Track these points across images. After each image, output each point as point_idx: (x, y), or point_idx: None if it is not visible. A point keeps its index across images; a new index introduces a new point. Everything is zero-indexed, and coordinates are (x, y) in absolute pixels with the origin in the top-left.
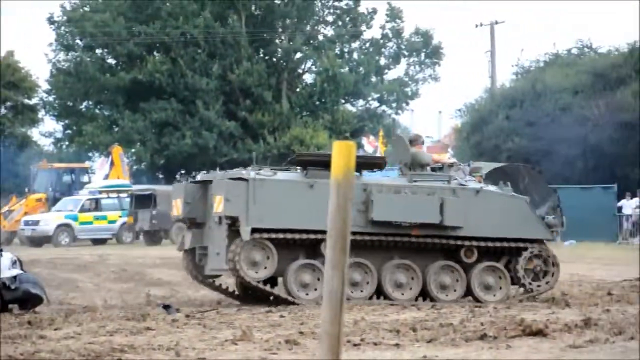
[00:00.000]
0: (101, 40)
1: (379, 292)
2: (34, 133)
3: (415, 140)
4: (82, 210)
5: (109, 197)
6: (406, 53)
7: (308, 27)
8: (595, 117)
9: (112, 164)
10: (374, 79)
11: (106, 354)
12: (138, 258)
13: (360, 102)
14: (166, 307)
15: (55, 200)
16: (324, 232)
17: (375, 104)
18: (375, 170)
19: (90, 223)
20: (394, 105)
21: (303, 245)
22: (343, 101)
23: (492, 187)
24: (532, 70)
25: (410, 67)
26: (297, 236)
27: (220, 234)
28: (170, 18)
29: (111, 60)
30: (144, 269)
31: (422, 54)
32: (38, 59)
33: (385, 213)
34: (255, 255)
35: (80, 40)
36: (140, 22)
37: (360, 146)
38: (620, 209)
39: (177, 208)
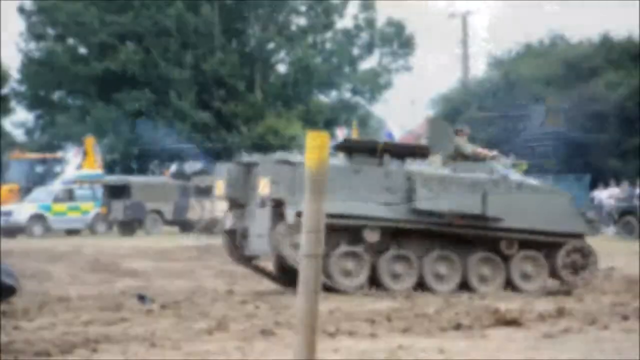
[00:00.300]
0: (73, 30)
1: (419, 284)
2: (5, 123)
3: (460, 130)
4: (56, 200)
5: (82, 188)
6: (379, 43)
7: (281, 18)
8: (567, 108)
9: (84, 154)
10: (347, 69)
11: (81, 344)
12: (112, 248)
13: (334, 92)
14: (141, 297)
15: (27, 191)
16: (368, 218)
17: (348, 94)
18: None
19: (64, 213)
20: (367, 95)
21: (347, 231)
22: (316, 91)
23: (533, 180)
24: (505, 60)
25: (383, 58)
26: (341, 222)
27: (263, 216)
28: (142, 8)
29: (83, 50)
30: (118, 259)
31: (395, 44)
32: (8, 48)
33: (428, 202)
34: (299, 239)
35: (53, 29)
36: (112, 12)
37: (333, 137)
38: (593, 199)
39: (220, 188)
